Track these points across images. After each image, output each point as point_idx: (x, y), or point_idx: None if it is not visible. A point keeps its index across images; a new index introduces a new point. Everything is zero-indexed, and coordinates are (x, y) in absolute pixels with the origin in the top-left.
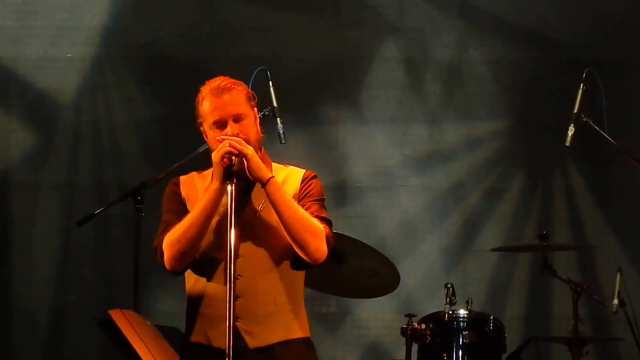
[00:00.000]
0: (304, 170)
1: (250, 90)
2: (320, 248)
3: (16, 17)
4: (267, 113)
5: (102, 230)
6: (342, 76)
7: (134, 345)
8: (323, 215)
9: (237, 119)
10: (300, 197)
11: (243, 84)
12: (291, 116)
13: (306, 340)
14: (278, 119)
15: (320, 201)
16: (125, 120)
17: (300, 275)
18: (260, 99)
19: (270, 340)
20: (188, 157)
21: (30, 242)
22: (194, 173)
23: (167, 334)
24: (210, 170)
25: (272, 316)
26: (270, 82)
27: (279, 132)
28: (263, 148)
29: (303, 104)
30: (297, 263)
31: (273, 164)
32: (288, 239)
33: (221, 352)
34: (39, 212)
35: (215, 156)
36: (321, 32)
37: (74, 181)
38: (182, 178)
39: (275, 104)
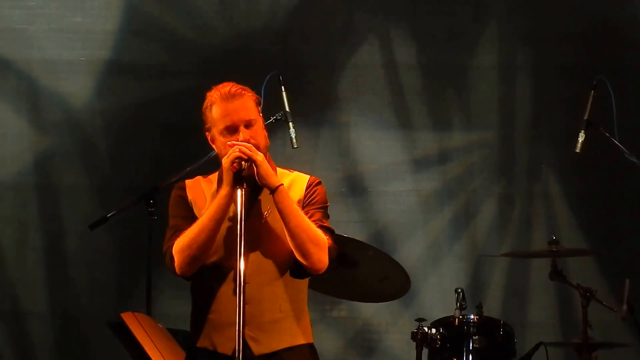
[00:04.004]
0: (309, 176)
1: (257, 96)
2: (322, 259)
3: (30, 20)
4: (279, 117)
5: (115, 233)
6: (354, 81)
7: (146, 349)
8: (326, 224)
9: (248, 124)
10: (305, 204)
11: (250, 89)
12: (302, 121)
13: (310, 346)
14: (290, 123)
15: (324, 209)
16: (138, 124)
17: (304, 281)
18: (272, 104)
19: (276, 346)
20: (199, 161)
21: (42, 245)
22: (199, 177)
23: (179, 337)
24: (216, 174)
25: (277, 323)
26: (283, 87)
27: (291, 137)
28: (268, 153)
29: (314, 109)
30: (298, 272)
31: (278, 169)
32: (291, 247)
33: (227, 358)
34: (52, 215)
35: (225, 161)
36: (333, 37)
37: (87, 185)
38: (188, 182)
39: (287, 109)
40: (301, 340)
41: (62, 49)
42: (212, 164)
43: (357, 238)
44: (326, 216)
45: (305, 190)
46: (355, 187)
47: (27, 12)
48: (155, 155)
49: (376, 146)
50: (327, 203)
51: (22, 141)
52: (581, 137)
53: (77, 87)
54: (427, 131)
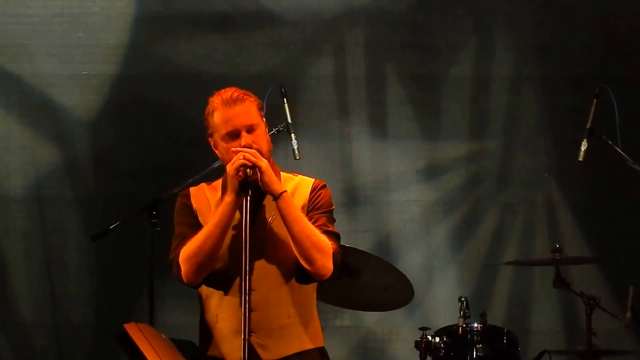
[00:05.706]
0: (313, 180)
1: (260, 101)
2: (326, 265)
3: (33, 36)
4: (281, 129)
5: (118, 244)
6: (355, 92)
7: (150, 359)
8: (331, 229)
9: (250, 129)
10: (309, 208)
11: (252, 94)
12: (305, 132)
13: (321, 350)
14: (292, 134)
15: (329, 213)
16: (142, 137)
17: (312, 286)
18: (275, 115)
19: (285, 352)
20: (202, 172)
21: (45, 256)
22: (203, 184)
23: (182, 347)
24: (219, 181)
25: (285, 329)
26: (285, 99)
27: (293, 148)
28: (272, 158)
29: (316, 120)
30: (303, 277)
31: (282, 173)
32: (295, 253)
33: None
34: (56, 227)
35: (230, 169)
36: (335, 48)
37: (91, 197)
38: (192, 190)
39: (289, 120)
40: (310, 345)
41: (64, 64)
42: (214, 173)
43: (360, 248)
44: (331, 220)
45: (310, 194)
46: (357, 198)
47: (30, 27)
48: (160, 167)
49: (378, 156)
50: (332, 207)
51: (26, 154)
52: (584, 146)
53: (79, 101)
54: (429, 141)
